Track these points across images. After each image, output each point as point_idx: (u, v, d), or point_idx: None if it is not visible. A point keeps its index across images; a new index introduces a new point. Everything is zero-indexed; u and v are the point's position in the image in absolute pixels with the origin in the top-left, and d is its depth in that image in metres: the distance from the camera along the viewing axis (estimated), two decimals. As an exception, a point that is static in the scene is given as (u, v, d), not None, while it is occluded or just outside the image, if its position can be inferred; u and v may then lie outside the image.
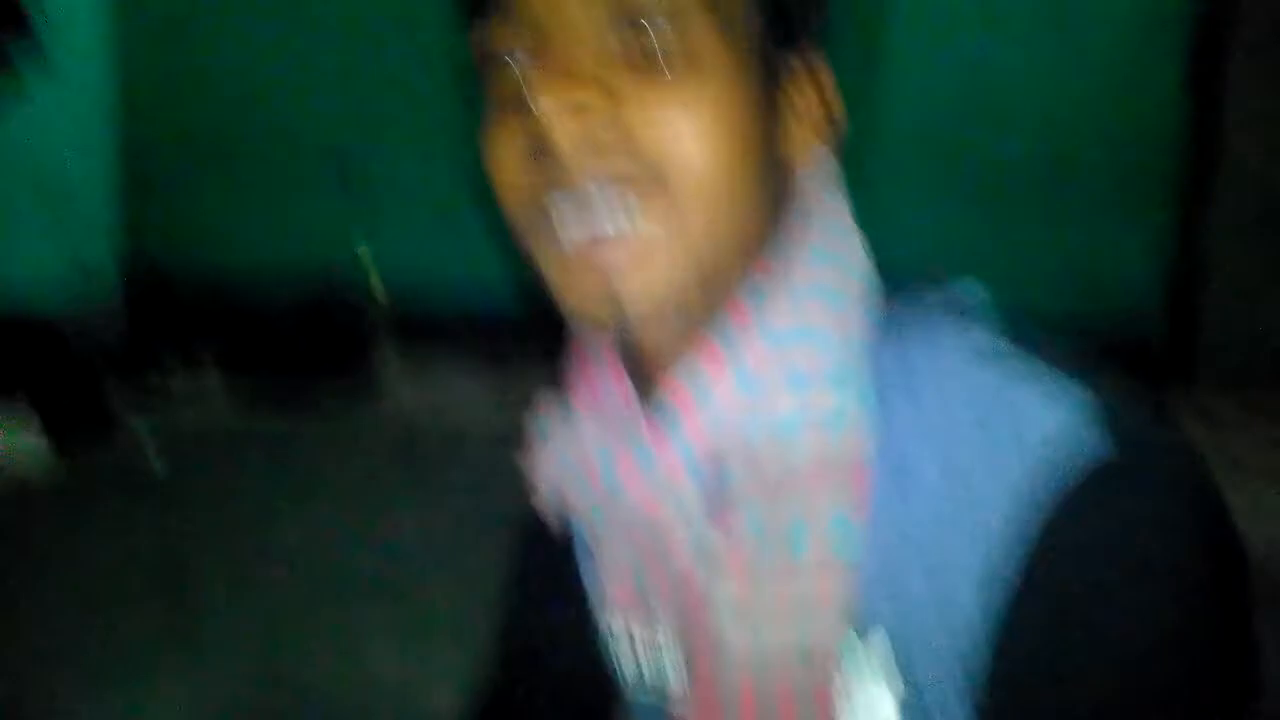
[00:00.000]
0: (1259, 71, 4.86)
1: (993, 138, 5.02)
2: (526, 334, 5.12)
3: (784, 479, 0.68)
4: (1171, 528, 0.62)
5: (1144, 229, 5.12)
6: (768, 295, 0.72)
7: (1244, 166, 4.96)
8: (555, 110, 0.66)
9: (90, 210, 5.17)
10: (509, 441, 3.37)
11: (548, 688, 0.97)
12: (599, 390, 0.83)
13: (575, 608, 0.90)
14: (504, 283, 5.18)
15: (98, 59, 5.19)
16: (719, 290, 0.71)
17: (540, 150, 0.68)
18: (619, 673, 0.86)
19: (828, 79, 0.78)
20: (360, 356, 4.79)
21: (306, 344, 4.78)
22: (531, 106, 0.66)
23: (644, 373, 0.78)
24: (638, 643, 0.82)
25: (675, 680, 0.78)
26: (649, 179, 0.68)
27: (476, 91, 0.76)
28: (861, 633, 0.68)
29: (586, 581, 0.90)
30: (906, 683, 0.67)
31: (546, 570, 0.96)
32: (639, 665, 0.82)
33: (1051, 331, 0.72)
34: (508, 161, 0.71)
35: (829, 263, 0.73)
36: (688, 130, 0.67)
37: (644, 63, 0.67)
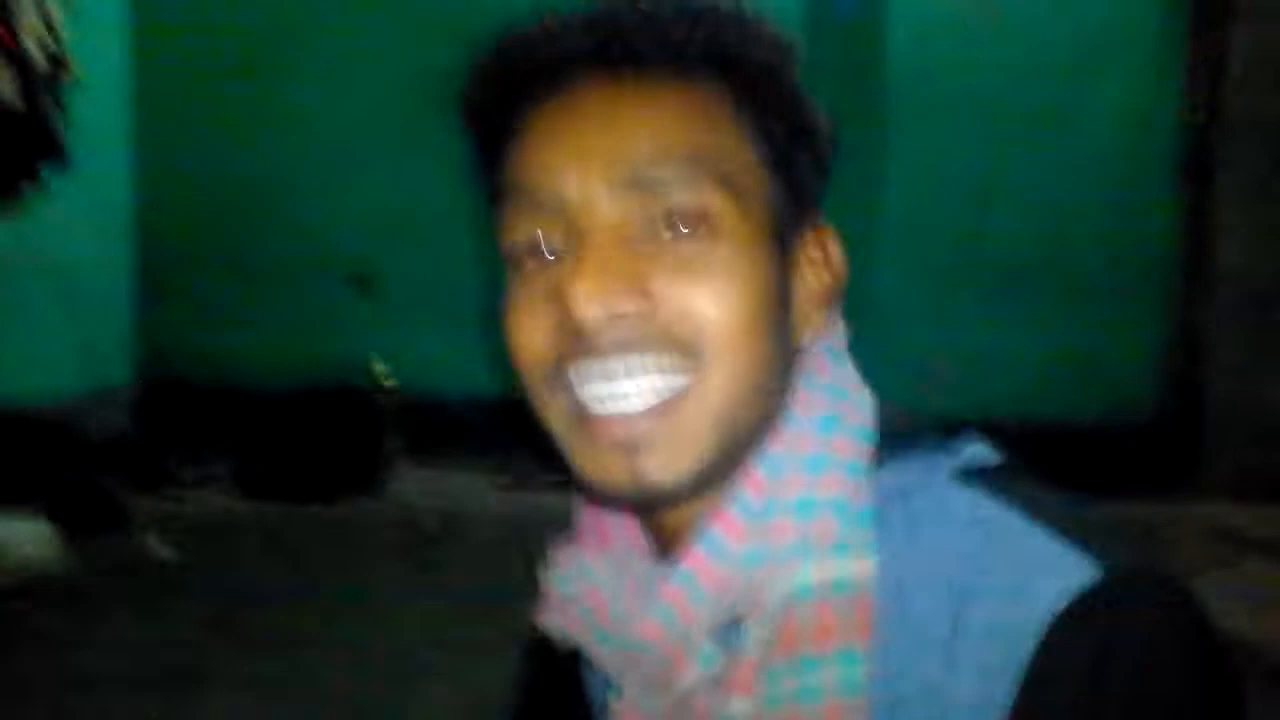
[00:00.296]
0: (1242, 174, 5.00)
1: (993, 239, 5.13)
2: (523, 425, 5.19)
3: (795, 629, 0.72)
4: (1160, 660, 0.65)
5: (1140, 320, 5.19)
6: (783, 465, 0.75)
7: (1230, 261, 5.07)
8: (598, 317, 0.69)
9: (105, 307, 5.30)
10: (506, 525, 3.40)
11: None
12: (608, 535, 0.85)
13: None
14: (503, 380, 5.25)
15: (119, 161, 5.36)
16: (736, 458, 0.74)
17: (570, 332, 0.71)
18: None
19: (833, 241, 0.82)
20: (367, 448, 4.84)
21: (315, 436, 4.84)
22: (572, 307, 0.69)
23: (654, 528, 0.81)
24: None
25: None
26: (679, 356, 0.71)
27: (495, 261, 0.78)
28: None
29: (595, 713, 0.90)
30: None
31: (551, 697, 0.96)
32: None
33: (1052, 486, 0.76)
34: (534, 338, 0.74)
35: (841, 432, 0.76)
36: (717, 307, 0.71)
37: (673, 250, 0.71)
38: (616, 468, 0.73)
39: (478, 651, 3.00)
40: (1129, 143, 5.12)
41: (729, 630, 0.75)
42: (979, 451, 0.77)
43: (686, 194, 0.71)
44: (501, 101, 0.78)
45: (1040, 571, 0.67)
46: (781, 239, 0.76)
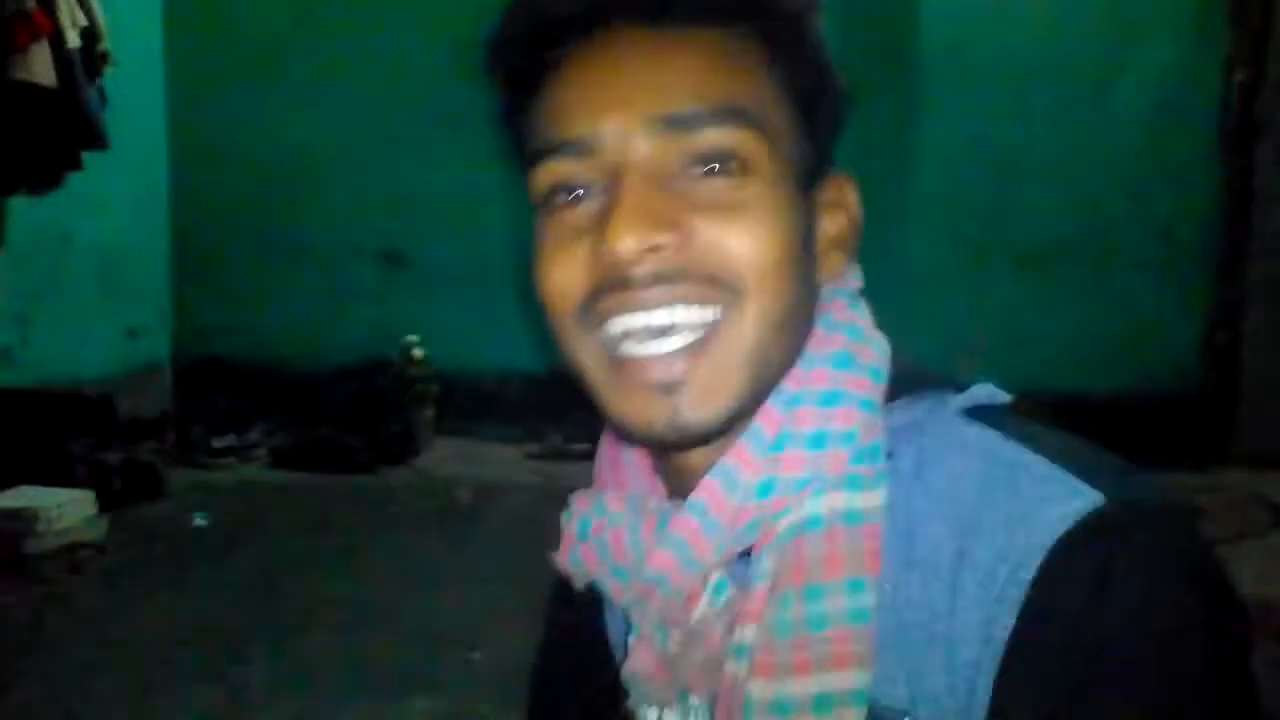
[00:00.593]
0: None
1: (1028, 210, 5.08)
2: (552, 396, 5.23)
3: (807, 563, 0.74)
4: (1160, 586, 0.65)
5: (1178, 290, 5.13)
6: (797, 400, 0.76)
7: (1273, 229, 4.99)
8: (635, 250, 0.71)
9: (143, 287, 5.39)
10: (538, 494, 3.42)
11: None
12: (625, 476, 0.87)
13: (604, 674, 0.93)
14: (531, 351, 5.29)
15: (155, 141, 5.44)
16: (762, 396, 0.76)
17: (605, 268, 0.73)
18: None
19: (850, 188, 0.84)
20: (401, 420, 4.90)
21: (350, 409, 4.90)
22: (606, 243, 0.71)
23: (672, 470, 0.83)
24: (665, 709, 0.85)
25: None
26: (712, 291, 0.73)
27: (528, 212, 0.80)
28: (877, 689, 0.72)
29: (615, 652, 0.94)
30: None
31: (576, 639, 0.99)
32: None
33: (1065, 429, 0.78)
34: (567, 277, 0.75)
35: (855, 369, 0.77)
36: (751, 243, 0.73)
37: (707, 188, 0.73)
38: (652, 408, 0.74)
39: (511, 619, 3.04)
40: (1168, 109, 5.03)
41: (740, 563, 0.76)
42: (988, 390, 0.78)
43: (720, 134, 0.73)
44: (532, 50, 0.79)
45: (1043, 500, 0.68)
46: (804, 183, 0.78)
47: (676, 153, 0.73)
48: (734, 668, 0.75)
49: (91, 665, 2.82)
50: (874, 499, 0.74)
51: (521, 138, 0.82)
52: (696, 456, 0.78)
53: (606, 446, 0.90)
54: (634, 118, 0.73)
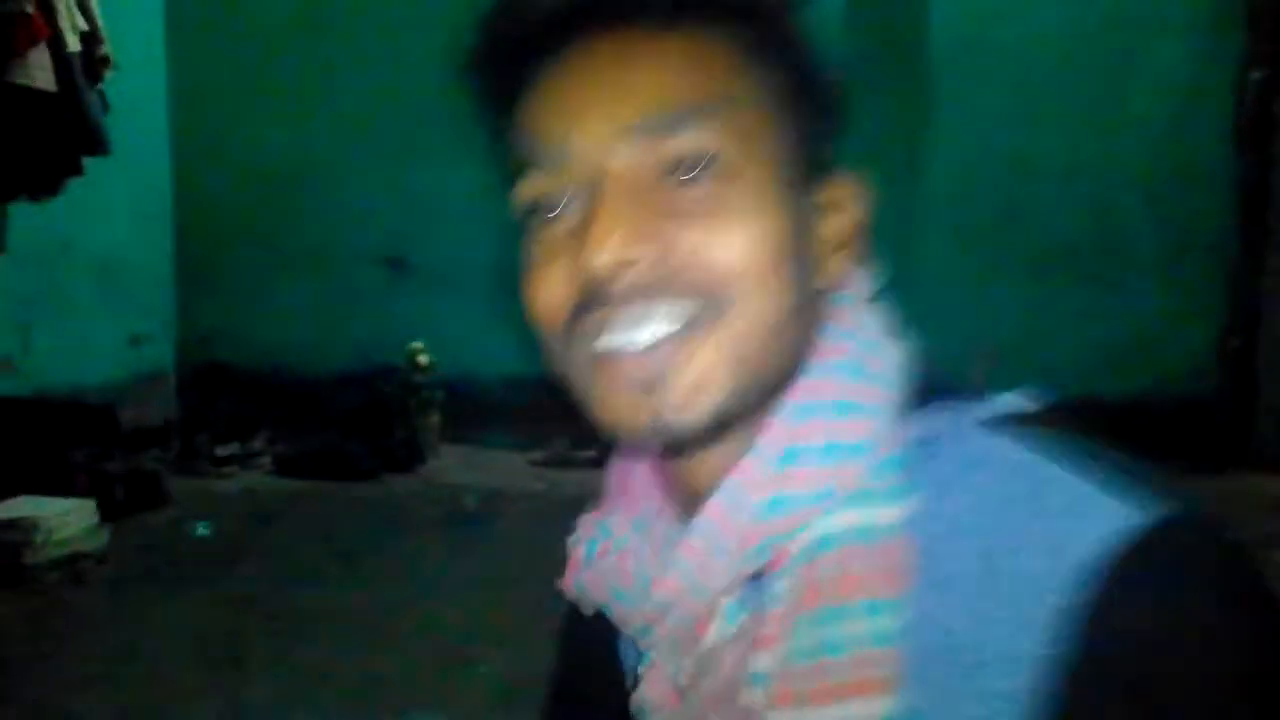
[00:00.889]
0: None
1: (1040, 210, 5.04)
2: (556, 403, 5.23)
3: (822, 583, 0.70)
4: (1204, 610, 0.61)
5: (1193, 292, 5.08)
6: (803, 411, 0.73)
7: None
8: (612, 265, 0.69)
9: (146, 293, 5.34)
10: (543, 502, 3.38)
11: None
12: (633, 496, 0.84)
13: (617, 702, 0.89)
14: (537, 357, 5.29)
15: (157, 147, 5.40)
16: (755, 408, 0.73)
17: (590, 294, 0.71)
18: None
19: (853, 189, 0.80)
20: (406, 428, 4.86)
21: (354, 416, 4.86)
22: (585, 257, 0.69)
23: (680, 487, 0.79)
24: None
25: None
26: (694, 301, 0.70)
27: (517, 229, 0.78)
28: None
29: (628, 679, 0.89)
30: None
31: (588, 665, 0.96)
32: None
33: (1091, 437, 0.73)
34: (550, 292, 0.74)
35: (866, 378, 0.74)
36: (730, 249, 0.70)
37: (684, 195, 0.70)
38: (634, 407, 0.71)
39: (519, 631, 2.99)
40: (1182, 108, 4.98)
41: (753, 585, 0.72)
42: (1012, 400, 0.73)
43: (695, 137, 0.70)
44: (508, 62, 0.78)
45: (1075, 518, 0.64)
46: (796, 184, 0.74)
47: (653, 160, 0.70)
48: (750, 697, 0.71)
49: (91, 678, 2.76)
50: (893, 515, 0.70)
51: (504, 152, 0.79)
52: (703, 474, 0.74)
53: (616, 465, 0.87)
54: (607, 127, 0.71)
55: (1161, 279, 5.08)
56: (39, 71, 3.72)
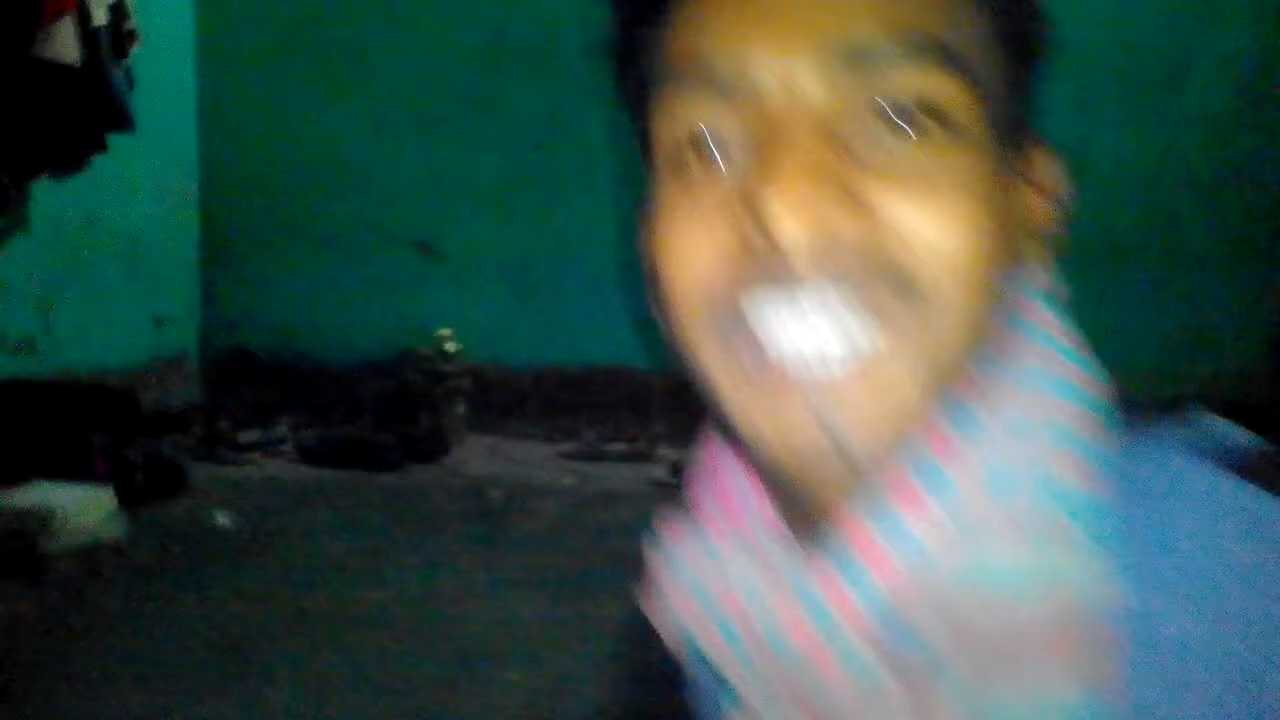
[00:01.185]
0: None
1: (1092, 207, 4.87)
2: (587, 393, 5.19)
3: (1001, 647, 0.54)
4: None
5: (1249, 291, 4.94)
6: (989, 430, 0.58)
7: None
8: (800, 233, 0.53)
9: (170, 273, 5.25)
10: (572, 495, 3.26)
11: None
12: (738, 513, 0.68)
13: None
14: (569, 346, 5.25)
15: (183, 125, 5.30)
16: (938, 419, 0.58)
17: (756, 254, 0.55)
18: None
19: (1054, 159, 0.66)
20: (432, 417, 4.75)
21: (380, 405, 4.76)
22: (752, 203, 0.54)
23: (797, 496, 0.63)
24: None
25: None
26: (892, 286, 0.55)
27: (637, 172, 0.63)
28: None
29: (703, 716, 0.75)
30: None
31: (654, 691, 0.82)
32: None
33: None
34: (700, 261, 0.57)
35: (1065, 394, 0.59)
36: (950, 230, 0.54)
37: (896, 150, 0.55)
38: (801, 427, 0.56)
39: (547, 635, 2.89)
40: (1240, 103, 4.82)
41: (896, 632, 0.57)
42: (1227, 430, 0.59)
43: (918, 77, 0.55)
44: None
45: None
46: (1007, 150, 0.59)
47: (858, 99, 0.55)
48: None
49: (106, 676, 2.66)
50: (1094, 571, 0.54)
51: (640, 76, 0.62)
52: (829, 484, 0.59)
53: (709, 465, 0.71)
54: (803, 47, 0.55)
55: (1216, 278, 4.92)
56: (64, 45, 3.62)
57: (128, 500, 3.59)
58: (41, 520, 3.24)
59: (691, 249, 0.58)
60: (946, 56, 0.55)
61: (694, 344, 0.59)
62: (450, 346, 4.88)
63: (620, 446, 4.62)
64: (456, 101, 5.15)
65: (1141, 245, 4.88)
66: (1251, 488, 0.54)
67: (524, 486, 4.24)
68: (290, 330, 5.32)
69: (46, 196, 4.11)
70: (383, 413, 4.74)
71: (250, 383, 5.05)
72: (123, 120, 3.95)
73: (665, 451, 4.54)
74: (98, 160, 4.00)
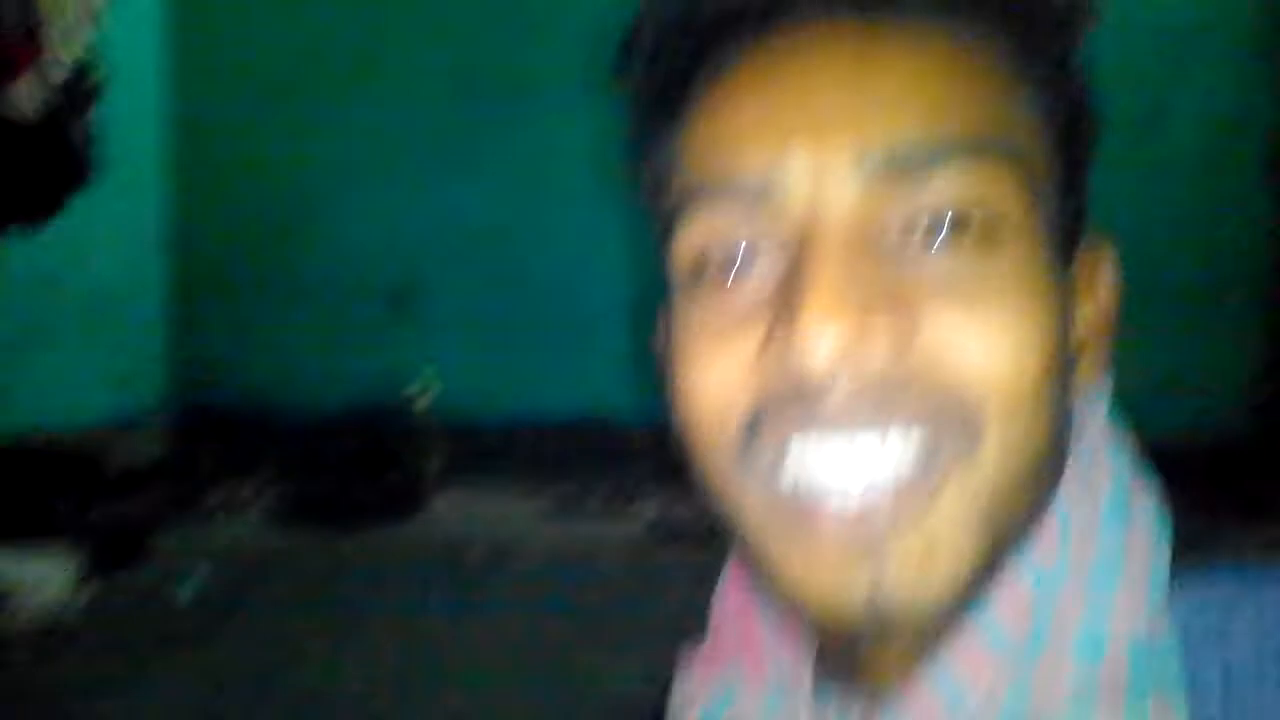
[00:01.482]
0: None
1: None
2: (569, 448, 5.09)
3: None
4: None
5: (1229, 333, 4.93)
6: (1058, 577, 0.51)
7: None
8: (835, 354, 0.46)
9: (136, 329, 5.11)
10: (553, 554, 3.16)
11: None
12: (763, 660, 0.61)
13: None
14: (546, 399, 5.16)
15: (150, 175, 5.19)
16: (999, 564, 0.51)
17: (786, 380, 0.49)
18: None
19: (1109, 259, 0.60)
20: (408, 472, 4.64)
21: (354, 461, 4.65)
22: (783, 323, 0.48)
23: (836, 649, 0.57)
24: None
25: None
26: (943, 421, 0.48)
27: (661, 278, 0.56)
28: None
29: None
30: None
31: None
32: None
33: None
34: (731, 402, 0.51)
35: (1135, 524, 0.53)
36: (1003, 354, 0.48)
37: (942, 265, 0.49)
38: (842, 578, 0.49)
39: (527, 696, 2.78)
40: (1217, 145, 4.84)
41: None
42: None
43: (962, 179, 0.49)
44: (685, 50, 0.55)
45: None
46: (1058, 257, 0.53)
47: (900, 205, 0.49)
48: None
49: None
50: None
51: (661, 179, 0.56)
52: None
53: (730, 596, 0.64)
54: (837, 152, 0.49)
55: (1197, 320, 4.92)
56: (21, 101, 3.53)
57: (89, 569, 3.46)
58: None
59: (716, 370, 0.52)
60: (996, 156, 0.49)
61: (718, 474, 0.53)
62: (423, 400, 4.78)
63: (602, 501, 4.52)
64: (429, 155, 5.09)
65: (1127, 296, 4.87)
66: None
67: (501, 548, 4.13)
68: (262, 388, 5.20)
69: (6, 253, 3.99)
70: (354, 469, 4.62)
71: (217, 439, 4.92)
72: (82, 175, 3.86)
73: (646, 504, 4.46)
74: (64, 215, 3.90)
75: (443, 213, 5.10)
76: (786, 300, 0.48)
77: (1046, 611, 0.51)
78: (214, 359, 5.30)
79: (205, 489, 4.49)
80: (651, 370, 0.59)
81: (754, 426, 0.51)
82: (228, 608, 3.51)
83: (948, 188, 0.48)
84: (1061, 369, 0.51)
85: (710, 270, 0.52)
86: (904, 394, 0.48)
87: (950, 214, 0.48)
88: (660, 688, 0.67)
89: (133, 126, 4.73)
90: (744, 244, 0.51)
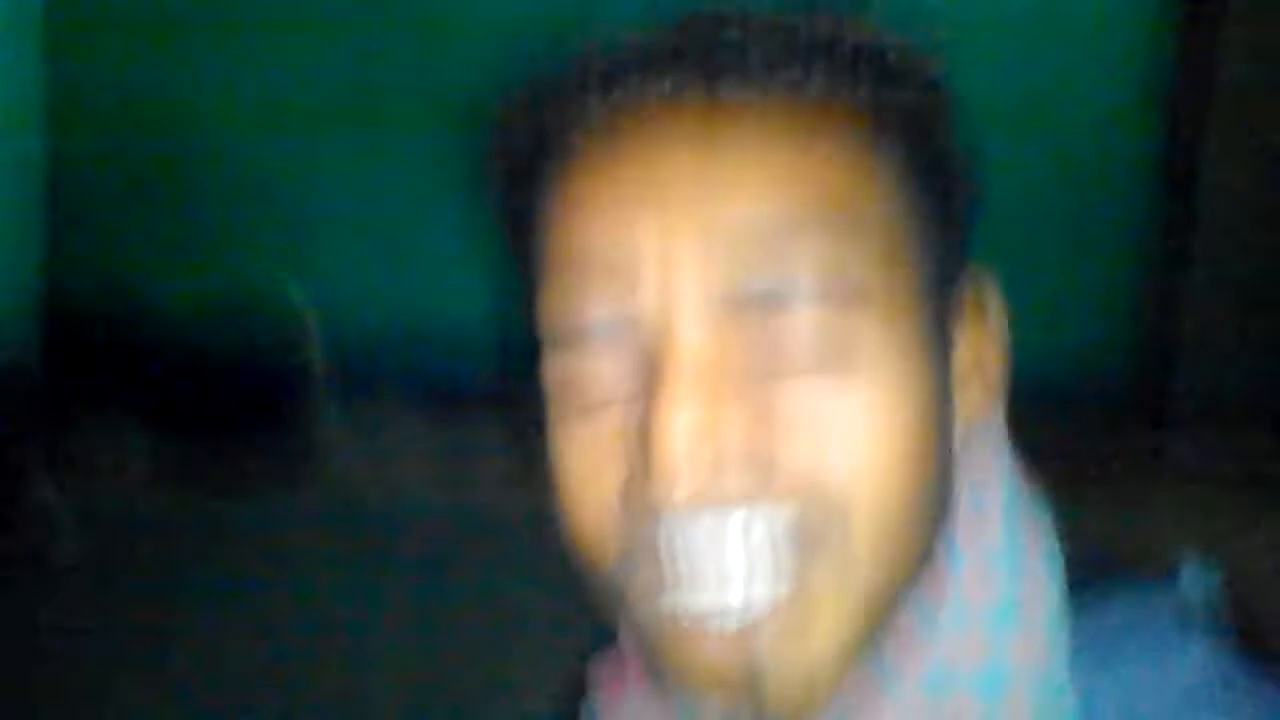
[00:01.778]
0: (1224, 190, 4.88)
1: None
2: (482, 391, 4.99)
3: None
4: None
5: (1114, 269, 5.10)
6: (955, 622, 0.54)
7: (1219, 224, 4.94)
8: (681, 430, 0.49)
9: (9, 248, 4.77)
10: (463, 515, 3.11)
11: None
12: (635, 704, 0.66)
13: None
14: (456, 336, 5.03)
15: (18, 81, 4.84)
16: (888, 624, 0.55)
17: (650, 475, 0.51)
18: None
19: (990, 289, 0.61)
20: (299, 418, 4.48)
21: (239, 406, 4.47)
22: (643, 423, 0.50)
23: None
24: None
25: None
26: (809, 510, 0.50)
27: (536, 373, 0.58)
28: None
29: None
30: None
31: None
32: None
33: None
34: (604, 527, 0.55)
35: (1028, 563, 0.55)
36: (868, 438, 0.50)
37: (803, 345, 0.51)
38: (725, 679, 0.54)
39: (432, 672, 2.74)
40: (1108, 147, 4.96)
41: None
42: (1199, 583, 0.56)
43: (819, 255, 0.54)
44: (535, 128, 0.60)
45: None
46: (931, 305, 0.59)
47: (752, 283, 0.54)
48: None
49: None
50: None
51: (529, 254, 0.61)
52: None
53: (619, 670, 0.70)
54: (685, 231, 0.51)
55: (1083, 249, 5.08)
56: None
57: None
58: None
59: (588, 474, 0.57)
60: (848, 225, 0.52)
61: (610, 596, 0.57)
62: (310, 331, 4.59)
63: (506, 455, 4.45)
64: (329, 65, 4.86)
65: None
66: (1225, 655, 0.52)
67: (401, 498, 4.01)
68: (143, 318, 4.97)
69: None
70: (245, 419, 4.44)
71: (97, 387, 4.68)
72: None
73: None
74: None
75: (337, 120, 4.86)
76: (646, 396, 0.50)
77: (949, 654, 0.53)
78: (90, 282, 5.04)
79: (83, 440, 4.27)
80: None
81: (631, 530, 0.53)
82: (112, 558, 3.34)
83: (802, 260, 0.51)
84: (938, 420, 0.52)
85: (573, 358, 0.54)
86: (767, 489, 0.50)
87: (808, 284, 0.50)
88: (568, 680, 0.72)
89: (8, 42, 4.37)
90: (604, 326, 0.52)
